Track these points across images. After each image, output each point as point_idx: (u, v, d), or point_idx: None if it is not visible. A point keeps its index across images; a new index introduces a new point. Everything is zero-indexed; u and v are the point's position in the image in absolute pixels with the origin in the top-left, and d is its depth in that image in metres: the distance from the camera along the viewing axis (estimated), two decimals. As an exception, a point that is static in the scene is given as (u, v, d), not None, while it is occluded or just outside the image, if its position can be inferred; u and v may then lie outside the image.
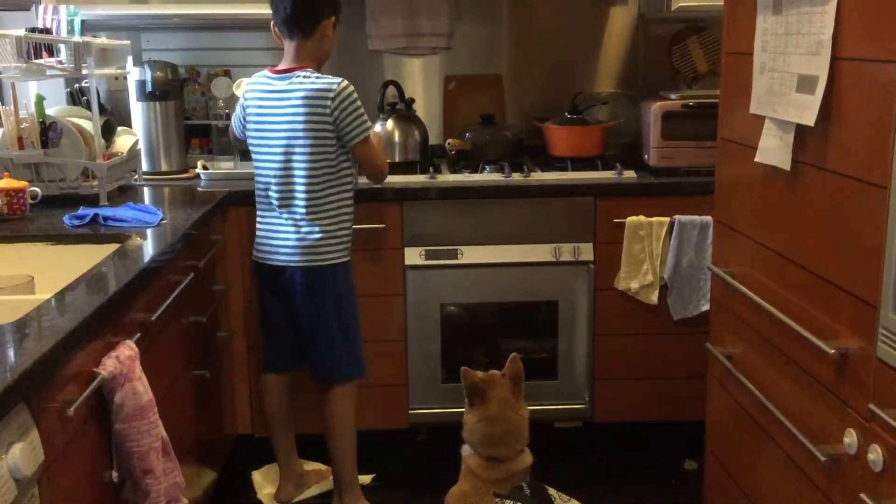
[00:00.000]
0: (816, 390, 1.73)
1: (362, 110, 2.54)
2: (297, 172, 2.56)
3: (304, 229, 2.59)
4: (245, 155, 3.33)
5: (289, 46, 2.60)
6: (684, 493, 2.89)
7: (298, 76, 2.54)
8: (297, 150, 2.54)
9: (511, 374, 2.28)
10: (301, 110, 2.51)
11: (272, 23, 2.63)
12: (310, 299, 2.64)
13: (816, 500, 1.74)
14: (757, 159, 1.95)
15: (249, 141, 2.68)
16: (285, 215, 2.61)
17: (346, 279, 2.67)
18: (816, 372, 1.73)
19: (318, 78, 2.52)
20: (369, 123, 2.57)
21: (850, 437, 1.57)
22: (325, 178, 2.57)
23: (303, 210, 2.57)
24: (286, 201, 2.60)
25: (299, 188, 2.56)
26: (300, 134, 2.53)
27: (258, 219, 2.69)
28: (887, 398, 1.46)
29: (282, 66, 2.60)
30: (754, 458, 2.07)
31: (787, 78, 1.81)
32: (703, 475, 2.46)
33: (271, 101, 2.57)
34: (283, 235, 2.62)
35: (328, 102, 2.48)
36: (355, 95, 2.52)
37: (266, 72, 2.63)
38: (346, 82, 2.52)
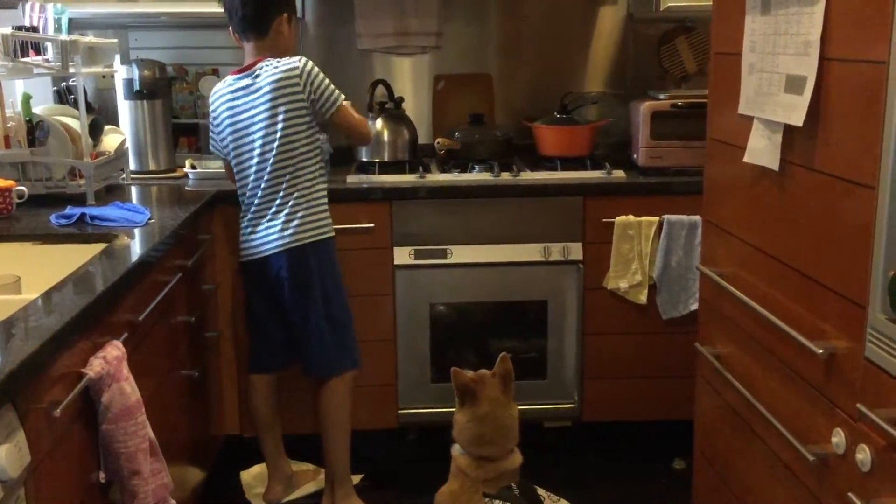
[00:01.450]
0: (804, 390, 1.73)
1: (329, 80, 2.60)
2: (277, 158, 2.58)
3: (284, 212, 2.60)
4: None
5: (247, 47, 2.66)
6: (673, 492, 2.90)
7: (261, 67, 2.59)
8: (275, 135, 2.56)
9: (501, 374, 2.28)
10: (271, 95, 2.55)
11: (230, 27, 2.69)
12: (297, 289, 2.63)
13: (805, 500, 1.75)
14: (745, 159, 1.96)
15: (228, 146, 2.68)
16: (267, 205, 2.62)
17: (330, 259, 2.67)
18: (804, 372, 1.73)
19: (279, 62, 2.58)
20: (339, 91, 2.62)
21: (839, 437, 1.58)
22: (303, 158, 2.59)
23: (283, 195, 2.59)
24: (269, 191, 2.61)
25: (281, 173, 2.58)
26: (276, 119, 2.56)
27: (241, 219, 2.70)
28: (875, 398, 1.46)
29: (244, 66, 2.64)
30: (743, 457, 2.08)
31: (775, 78, 1.81)
32: (692, 474, 2.47)
33: (241, 99, 2.61)
34: (265, 225, 2.63)
35: (298, 80, 2.54)
36: (318, 69, 2.59)
37: (228, 76, 2.67)
38: (305, 59, 2.58)
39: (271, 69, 2.56)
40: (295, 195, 2.60)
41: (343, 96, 2.63)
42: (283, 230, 2.60)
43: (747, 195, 2.02)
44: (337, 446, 2.74)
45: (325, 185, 2.68)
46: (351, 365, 2.75)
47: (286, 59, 2.58)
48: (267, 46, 2.63)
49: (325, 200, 2.67)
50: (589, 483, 3.00)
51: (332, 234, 2.68)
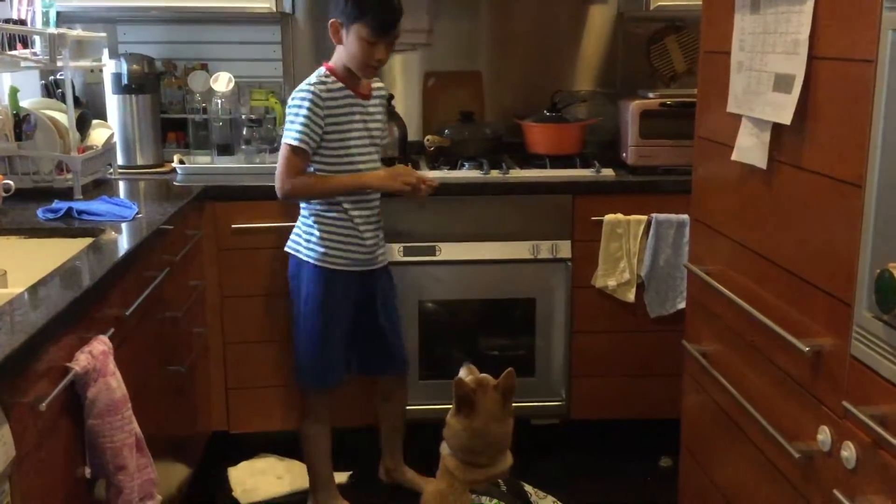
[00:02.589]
0: (791, 387, 1.74)
1: (297, 117, 2.48)
2: None
3: (298, 219, 2.68)
4: (222, 150, 3.32)
5: None
6: (660, 490, 2.91)
7: None
8: None
9: (503, 388, 2.26)
10: None
11: None
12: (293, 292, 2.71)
13: (790, 497, 1.76)
14: (734, 158, 1.96)
15: None
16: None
17: (309, 281, 2.63)
18: (791, 369, 1.74)
19: (315, 76, 2.55)
20: (295, 137, 2.48)
21: (824, 434, 1.59)
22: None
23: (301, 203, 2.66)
24: None
25: None
26: None
27: None
28: (861, 395, 1.47)
29: None
30: (729, 454, 2.08)
31: (764, 77, 1.82)
32: (679, 472, 2.47)
33: None
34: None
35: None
36: (300, 102, 2.48)
37: None
38: (304, 85, 2.51)
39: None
40: (304, 208, 2.64)
41: (292, 143, 2.48)
42: (292, 232, 2.68)
43: (735, 193, 2.02)
44: (307, 456, 2.79)
45: (336, 213, 2.59)
46: (302, 381, 2.73)
47: (311, 78, 2.53)
48: (337, 51, 2.56)
49: (331, 228, 2.59)
50: (576, 481, 3.00)
51: (319, 263, 2.60)
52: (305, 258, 2.61)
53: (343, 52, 2.52)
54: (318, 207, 2.60)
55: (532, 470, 2.80)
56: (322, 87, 2.50)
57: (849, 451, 1.49)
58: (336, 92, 2.52)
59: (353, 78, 2.55)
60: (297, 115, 2.47)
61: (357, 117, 2.56)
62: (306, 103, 2.47)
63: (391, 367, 2.84)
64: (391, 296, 2.78)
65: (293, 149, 2.49)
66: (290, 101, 2.52)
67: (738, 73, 1.95)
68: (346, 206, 2.59)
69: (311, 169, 2.56)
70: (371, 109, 2.61)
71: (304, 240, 2.62)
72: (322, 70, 2.55)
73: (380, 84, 2.70)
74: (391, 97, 3.36)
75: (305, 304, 2.64)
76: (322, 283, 2.62)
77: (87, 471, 1.74)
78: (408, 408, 3.11)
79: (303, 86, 2.51)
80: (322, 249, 2.60)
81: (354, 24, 2.46)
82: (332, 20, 2.50)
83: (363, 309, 2.70)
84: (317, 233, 2.60)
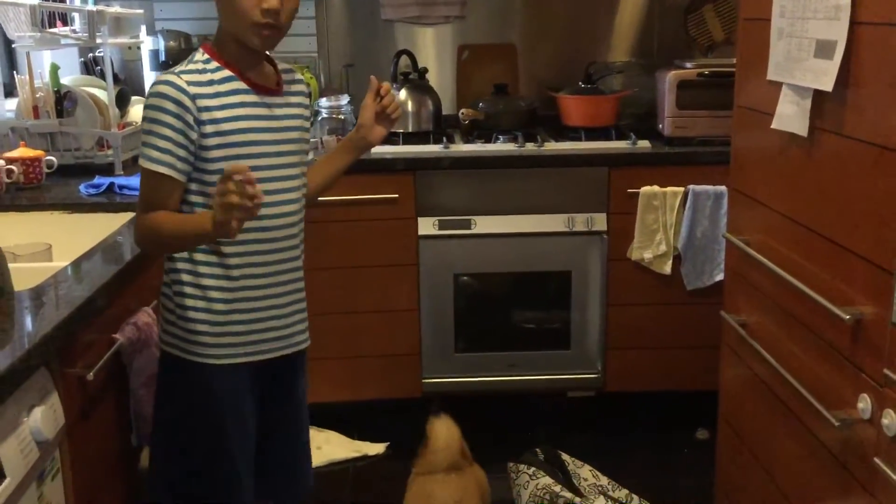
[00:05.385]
0: (831, 356, 1.73)
1: (154, 125, 1.61)
2: None
3: None
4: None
5: None
6: (696, 462, 2.90)
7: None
8: None
9: None
10: None
11: None
12: None
13: (831, 466, 1.75)
14: (774, 126, 1.94)
15: None
16: None
17: None
18: (831, 338, 1.73)
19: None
20: (154, 152, 1.61)
21: (865, 403, 1.58)
22: None
23: None
24: None
25: None
26: None
27: None
28: (903, 364, 1.46)
29: None
30: (768, 425, 2.08)
31: (805, 43, 1.79)
32: (716, 444, 2.47)
33: None
34: None
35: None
36: (156, 101, 1.61)
37: None
38: (165, 75, 1.63)
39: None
40: None
41: (147, 165, 1.63)
42: None
43: (775, 162, 2.00)
44: None
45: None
46: None
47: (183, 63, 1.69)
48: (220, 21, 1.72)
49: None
50: (612, 452, 3.01)
51: None
52: None
53: (222, 17, 1.65)
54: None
55: (567, 442, 2.81)
56: (191, 76, 1.62)
57: (889, 419, 1.48)
58: (217, 84, 1.64)
59: (247, 60, 1.68)
60: (153, 120, 1.60)
61: (254, 122, 1.68)
62: (168, 103, 1.59)
63: None
64: None
65: (150, 174, 1.63)
66: (146, 99, 1.63)
67: (778, 40, 1.92)
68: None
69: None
70: (284, 111, 1.74)
71: None
72: (198, 52, 1.69)
73: (298, 78, 1.83)
74: (425, 70, 3.34)
75: None
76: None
77: (134, 439, 1.78)
78: (445, 380, 3.14)
79: (162, 75, 1.64)
80: None
81: None
82: None
83: None
84: None
